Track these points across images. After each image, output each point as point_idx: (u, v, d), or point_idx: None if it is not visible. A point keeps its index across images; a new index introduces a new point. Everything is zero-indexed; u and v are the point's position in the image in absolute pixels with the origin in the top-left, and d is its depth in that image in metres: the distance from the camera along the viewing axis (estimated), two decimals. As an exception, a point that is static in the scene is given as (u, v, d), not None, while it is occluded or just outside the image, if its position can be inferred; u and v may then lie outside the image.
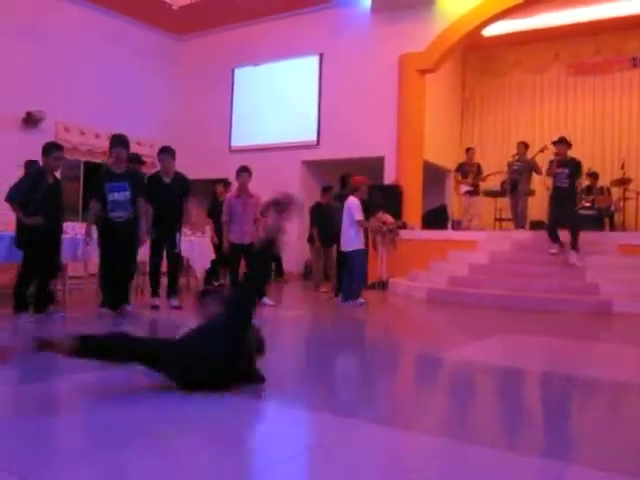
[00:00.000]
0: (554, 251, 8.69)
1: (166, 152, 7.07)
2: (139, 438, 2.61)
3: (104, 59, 12.20)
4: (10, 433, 2.66)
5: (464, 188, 11.17)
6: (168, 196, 6.91)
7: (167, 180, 7.01)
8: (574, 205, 8.97)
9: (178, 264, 7.40)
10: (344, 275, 8.16)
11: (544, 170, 9.34)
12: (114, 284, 6.49)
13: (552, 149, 9.13)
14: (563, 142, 8.96)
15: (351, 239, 7.85)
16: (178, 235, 7.08)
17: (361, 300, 7.85)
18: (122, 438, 2.60)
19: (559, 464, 2.42)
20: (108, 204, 6.30)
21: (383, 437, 2.76)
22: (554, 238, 8.73)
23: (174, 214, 7.02)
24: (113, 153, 6.45)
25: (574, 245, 8.47)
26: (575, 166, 8.80)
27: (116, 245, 6.34)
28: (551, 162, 8.95)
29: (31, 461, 2.31)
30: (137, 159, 7.74)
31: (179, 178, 7.14)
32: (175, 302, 7.04)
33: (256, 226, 7.61)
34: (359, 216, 7.77)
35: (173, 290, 7.17)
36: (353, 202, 7.86)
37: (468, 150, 11.77)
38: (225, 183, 9.89)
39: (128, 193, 6.35)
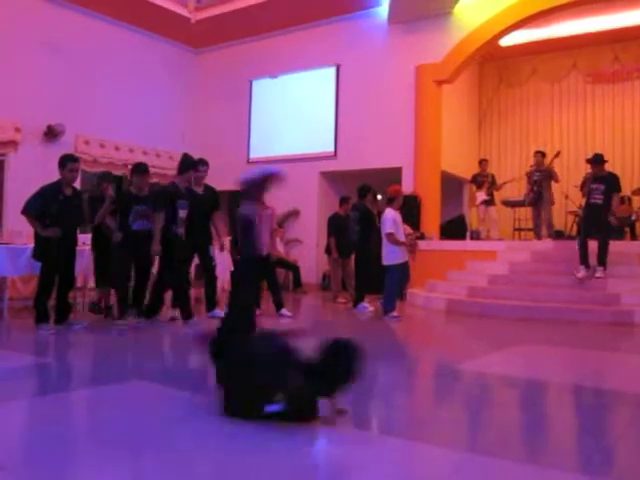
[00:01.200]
0: (580, 275, 8.22)
1: (204, 164, 7.28)
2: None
3: (123, 72, 12.32)
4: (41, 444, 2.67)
5: (480, 198, 11.19)
6: (203, 207, 7.04)
7: (200, 191, 7.16)
8: (609, 222, 8.33)
9: (215, 276, 7.37)
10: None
11: (580, 186, 8.77)
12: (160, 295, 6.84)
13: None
14: (596, 161, 8.31)
15: (386, 253, 7.67)
16: (211, 247, 7.15)
17: (394, 314, 7.60)
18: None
19: (583, 478, 2.38)
20: (178, 220, 6.46)
21: (403, 450, 2.73)
22: (582, 257, 8.26)
23: (206, 226, 7.13)
24: (192, 175, 6.79)
25: (602, 261, 8.16)
26: (611, 181, 8.27)
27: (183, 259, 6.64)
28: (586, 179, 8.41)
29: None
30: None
31: (210, 189, 7.33)
32: (219, 312, 6.89)
33: (272, 238, 7.57)
34: (389, 229, 7.57)
35: (213, 302, 7.20)
36: (388, 214, 7.66)
37: (481, 162, 11.85)
38: None
39: (187, 211, 6.60)
